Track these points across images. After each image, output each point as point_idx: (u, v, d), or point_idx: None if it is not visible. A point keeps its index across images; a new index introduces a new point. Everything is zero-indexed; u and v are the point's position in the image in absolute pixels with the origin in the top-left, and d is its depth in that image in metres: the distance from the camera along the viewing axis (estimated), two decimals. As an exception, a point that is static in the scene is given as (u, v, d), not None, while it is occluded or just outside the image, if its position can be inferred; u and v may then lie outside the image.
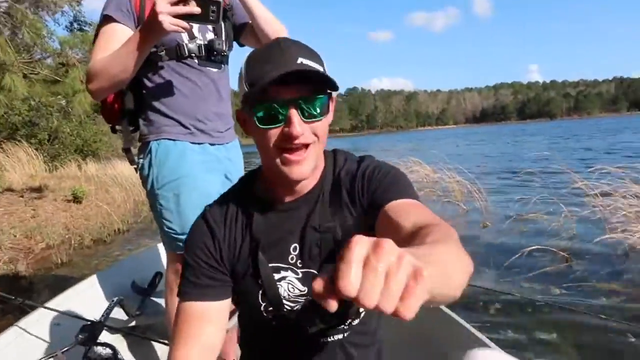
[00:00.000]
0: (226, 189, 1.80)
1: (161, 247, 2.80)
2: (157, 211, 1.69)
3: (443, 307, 1.64)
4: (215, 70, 1.73)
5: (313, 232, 0.95)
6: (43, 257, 5.15)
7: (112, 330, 2.14)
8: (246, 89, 0.86)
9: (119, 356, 1.75)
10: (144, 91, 1.68)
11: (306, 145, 0.87)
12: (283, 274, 0.97)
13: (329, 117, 0.92)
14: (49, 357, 1.70)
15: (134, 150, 1.80)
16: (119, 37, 1.52)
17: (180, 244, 1.65)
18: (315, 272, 0.96)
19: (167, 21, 1.34)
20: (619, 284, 3.56)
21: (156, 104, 1.66)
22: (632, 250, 4.19)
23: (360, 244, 0.44)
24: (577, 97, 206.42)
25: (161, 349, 2.30)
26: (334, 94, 0.90)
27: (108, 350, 1.76)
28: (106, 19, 1.58)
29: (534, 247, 4.22)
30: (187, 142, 1.68)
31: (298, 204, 0.97)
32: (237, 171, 1.87)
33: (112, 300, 2.20)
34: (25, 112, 12.49)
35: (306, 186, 0.97)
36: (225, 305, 0.99)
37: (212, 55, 1.70)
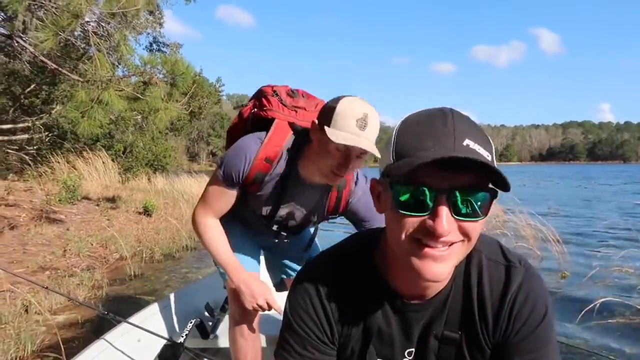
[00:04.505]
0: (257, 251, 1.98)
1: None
2: None
3: None
4: (283, 234, 1.85)
5: (433, 339, 0.85)
6: (117, 267, 5.33)
7: (188, 350, 2.16)
8: (392, 160, 0.72)
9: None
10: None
11: (450, 243, 0.72)
12: None
13: (486, 218, 0.74)
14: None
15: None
16: (227, 198, 1.73)
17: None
18: None
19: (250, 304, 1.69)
20: None
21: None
22: None
23: None
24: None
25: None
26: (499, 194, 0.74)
27: (188, 372, 1.76)
28: (219, 178, 1.69)
29: (617, 301, 3.88)
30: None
31: (423, 306, 0.84)
32: (285, 249, 2.03)
33: (190, 322, 2.24)
34: (106, 124, 13.36)
35: (437, 286, 0.83)
36: None
37: (285, 229, 1.83)
